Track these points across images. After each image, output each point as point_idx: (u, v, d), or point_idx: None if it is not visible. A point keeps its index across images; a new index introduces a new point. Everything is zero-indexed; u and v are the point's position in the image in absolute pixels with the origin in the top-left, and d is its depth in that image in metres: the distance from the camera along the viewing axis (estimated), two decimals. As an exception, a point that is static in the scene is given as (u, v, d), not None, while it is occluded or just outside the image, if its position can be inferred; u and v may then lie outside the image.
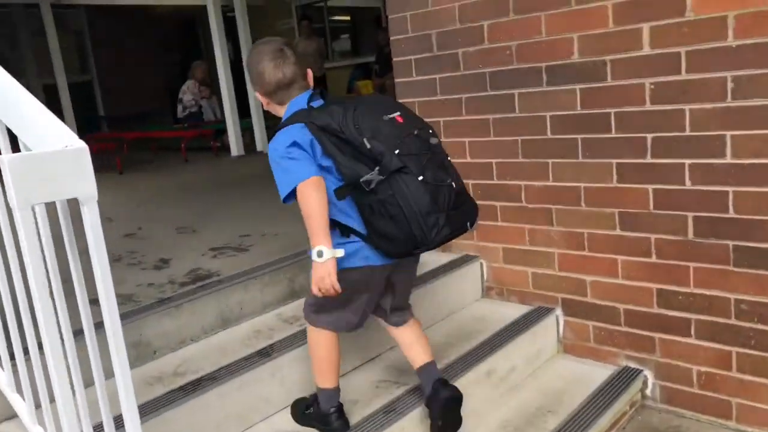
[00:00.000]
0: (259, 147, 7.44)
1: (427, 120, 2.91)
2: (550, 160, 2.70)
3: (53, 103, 9.85)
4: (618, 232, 2.57)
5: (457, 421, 1.95)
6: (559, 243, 2.76)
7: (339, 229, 1.79)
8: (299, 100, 1.85)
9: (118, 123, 12.31)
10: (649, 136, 2.41)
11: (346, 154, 1.69)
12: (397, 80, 3.16)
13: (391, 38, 3.12)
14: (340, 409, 1.97)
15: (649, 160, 2.43)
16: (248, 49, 7.36)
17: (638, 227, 2.51)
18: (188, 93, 8.94)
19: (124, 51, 12.22)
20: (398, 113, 1.76)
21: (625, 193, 2.52)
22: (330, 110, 1.73)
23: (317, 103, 1.83)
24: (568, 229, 2.71)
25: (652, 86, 2.36)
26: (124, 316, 2.16)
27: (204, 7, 7.10)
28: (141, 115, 12.39)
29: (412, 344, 2.04)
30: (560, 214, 2.72)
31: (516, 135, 2.77)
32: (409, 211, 1.65)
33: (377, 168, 1.65)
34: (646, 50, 2.35)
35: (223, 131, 7.89)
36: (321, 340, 1.94)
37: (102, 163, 7.12)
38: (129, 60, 12.27)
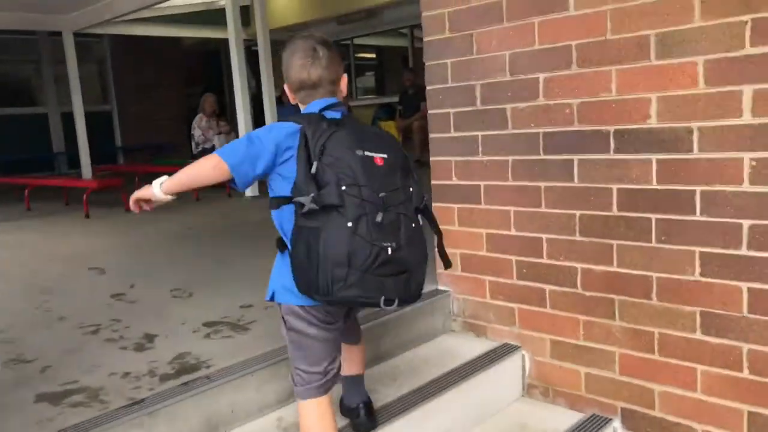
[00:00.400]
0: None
1: (465, 183, 2.48)
2: (615, 242, 2.23)
3: (70, 132, 9.63)
4: (699, 335, 2.09)
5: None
6: (621, 341, 2.27)
7: (282, 245, 1.67)
8: (315, 105, 1.72)
9: (135, 155, 12.10)
10: (746, 222, 1.94)
11: (305, 170, 1.54)
12: (432, 135, 2.73)
13: (428, 88, 2.70)
14: None
15: (744, 252, 1.95)
16: (270, 83, 7.14)
17: (727, 333, 2.03)
18: (197, 128, 8.63)
19: (146, 82, 12.05)
20: (384, 155, 1.59)
21: (711, 289, 2.04)
22: (321, 123, 1.59)
23: (332, 114, 1.68)
24: (634, 325, 2.23)
25: (754, 163, 1.90)
26: (82, 428, 1.71)
27: (227, 40, 6.82)
28: (159, 147, 12.17)
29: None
30: (625, 306, 2.25)
31: (573, 208, 2.32)
32: (322, 253, 1.50)
33: (312, 195, 1.50)
34: (747, 118, 1.90)
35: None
36: (314, 417, 1.73)
37: (109, 199, 6.79)
38: (150, 91, 12.10)
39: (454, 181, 2.67)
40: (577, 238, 2.32)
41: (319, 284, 1.50)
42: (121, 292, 3.20)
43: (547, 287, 2.44)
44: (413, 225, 1.59)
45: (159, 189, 1.75)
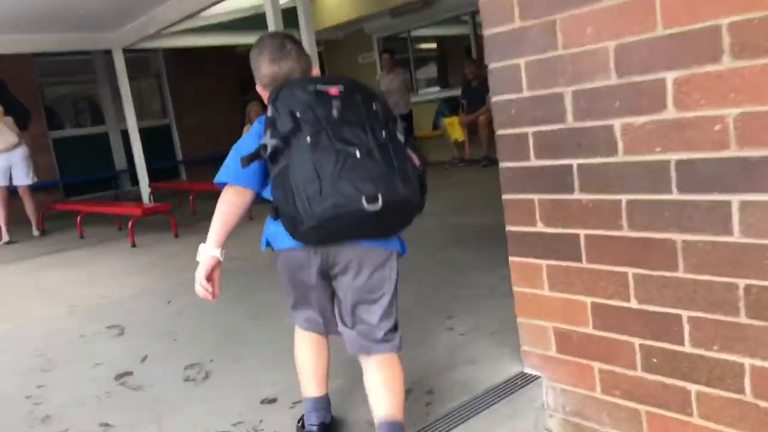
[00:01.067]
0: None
1: (556, 231, 1.75)
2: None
3: (131, 149, 9.41)
4: None
5: None
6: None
7: (272, 209, 1.61)
8: None
9: (196, 168, 11.84)
10: None
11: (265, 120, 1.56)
12: (504, 164, 1.98)
13: (495, 99, 1.94)
14: (322, 428, 1.77)
15: None
16: None
17: None
18: (246, 142, 8.17)
19: (202, 93, 11.75)
20: (338, 87, 1.55)
21: None
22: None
23: None
24: None
25: None
26: None
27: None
28: (219, 159, 11.80)
29: (375, 387, 1.64)
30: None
31: (735, 274, 1.51)
32: (294, 181, 1.45)
33: (270, 130, 1.50)
34: None
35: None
36: (298, 341, 1.83)
37: (161, 223, 6.38)
38: (206, 102, 11.79)
39: (539, 227, 1.90)
40: (744, 320, 1.51)
41: (299, 212, 1.44)
42: (129, 370, 2.62)
43: (694, 387, 1.64)
44: (383, 135, 1.51)
45: (211, 253, 1.64)
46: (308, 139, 1.44)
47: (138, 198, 9.29)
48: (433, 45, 11.94)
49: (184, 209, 7.89)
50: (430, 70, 11.60)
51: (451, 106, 9.53)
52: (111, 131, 10.95)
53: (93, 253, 5.83)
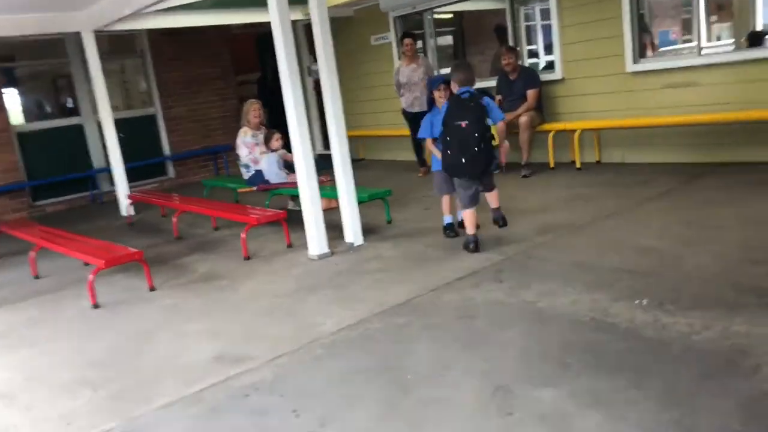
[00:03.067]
0: (351, 238, 5.14)
1: None
2: None
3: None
4: None
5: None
6: None
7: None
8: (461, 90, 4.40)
9: (187, 165, 10.47)
10: None
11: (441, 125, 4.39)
12: None
13: None
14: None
15: None
16: (330, 66, 5.17)
17: None
18: (242, 146, 6.74)
19: (192, 77, 10.34)
20: (466, 122, 4.27)
21: None
22: (458, 104, 4.39)
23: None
24: None
25: None
26: None
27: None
28: (214, 152, 10.49)
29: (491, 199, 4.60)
30: None
31: None
32: (446, 161, 4.43)
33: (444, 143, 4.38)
34: None
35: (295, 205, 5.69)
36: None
37: (131, 272, 5.03)
38: (197, 86, 10.40)
39: None
40: None
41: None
42: None
43: None
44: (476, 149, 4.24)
45: None
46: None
47: (114, 205, 7.94)
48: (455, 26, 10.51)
49: (167, 226, 6.53)
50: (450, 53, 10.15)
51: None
52: (86, 124, 9.55)
53: (36, 319, 4.50)
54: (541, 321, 3.17)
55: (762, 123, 5.98)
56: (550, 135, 7.28)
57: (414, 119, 8.03)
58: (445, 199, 5.07)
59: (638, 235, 4.37)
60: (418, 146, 8.21)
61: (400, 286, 3.99)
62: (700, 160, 6.49)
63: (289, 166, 6.72)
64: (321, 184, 5.18)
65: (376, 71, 9.64)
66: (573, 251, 4.22)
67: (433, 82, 4.92)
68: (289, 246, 5.37)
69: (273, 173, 6.59)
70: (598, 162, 7.34)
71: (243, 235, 5.20)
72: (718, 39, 7.85)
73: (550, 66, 7.86)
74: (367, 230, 5.32)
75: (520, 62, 7.54)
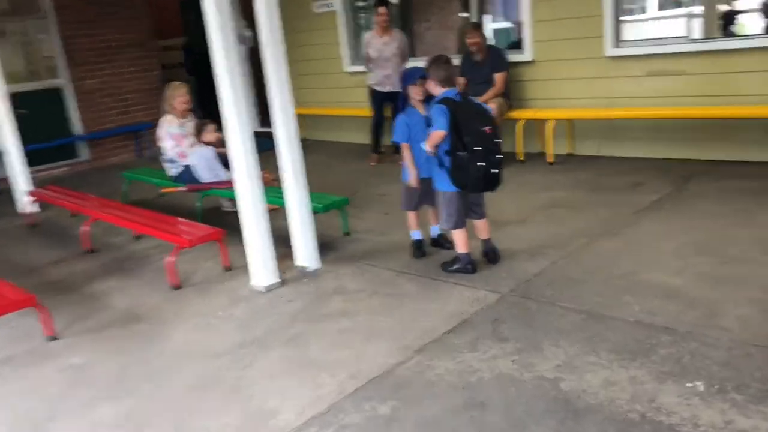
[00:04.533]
0: (304, 261, 4.25)
1: None
2: None
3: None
4: None
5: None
6: None
7: (438, 162, 3.78)
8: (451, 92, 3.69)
9: (102, 145, 9.18)
10: None
11: (455, 135, 3.59)
12: None
13: None
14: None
15: None
16: (273, 32, 4.02)
17: None
18: (168, 137, 5.67)
19: (107, 45, 8.99)
20: (489, 127, 3.63)
21: None
22: (465, 108, 3.65)
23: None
24: None
25: None
26: None
27: None
28: (134, 131, 9.23)
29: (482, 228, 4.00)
30: None
31: None
32: (470, 175, 3.62)
33: (467, 153, 3.57)
34: None
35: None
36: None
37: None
38: (113, 58, 9.06)
39: None
40: None
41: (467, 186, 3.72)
42: None
43: None
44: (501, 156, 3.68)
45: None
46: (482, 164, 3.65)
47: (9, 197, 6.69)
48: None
49: (77, 231, 5.44)
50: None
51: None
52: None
53: None
54: (574, 416, 2.43)
55: (754, 120, 5.44)
56: (519, 124, 6.54)
57: (382, 100, 7.13)
58: (413, 214, 4.27)
59: (651, 267, 3.69)
60: (378, 129, 7.34)
61: (375, 344, 3.17)
62: (685, 156, 5.92)
63: (225, 161, 5.72)
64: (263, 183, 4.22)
65: (318, 42, 8.60)
66: (579, 290, 3.51)
67: (410, 76, 4.03)
68: (228, 269, 4.44)
69: (205, 170, 5.57)
70: (570, 154, 6.68)
71: (171, 259, 4.22)
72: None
73: (516, 45, 7.06)
74: (322, 245, 4.44)
75: (484, 42, 6.69)
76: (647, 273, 3.62)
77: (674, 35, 6.45)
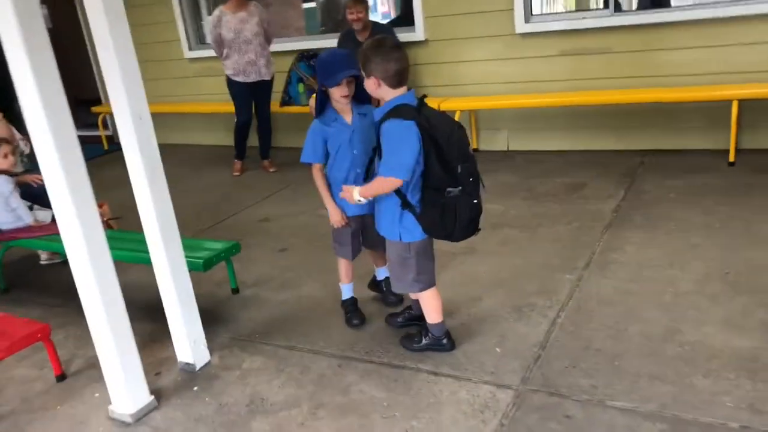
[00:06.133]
0: (187, 353, 2.75)
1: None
2: None
3: None
4: None
5: None
6: None
7: (400, 201, 2.41)
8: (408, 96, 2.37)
9: None
10: None
11: (439, 165, 2.29)
12: None
13: None
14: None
15: None
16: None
17: None
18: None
19: None
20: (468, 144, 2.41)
21: None
22: (437, 121, 2.33)
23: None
24: None
25: None
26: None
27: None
28: None
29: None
30: None
31: None
32: (459, 218, 2.37)
33: (460, 188, 2.32)
34: None
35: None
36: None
37: None
38: None
39: None
40: None
41: (453, 234, 2.45)
42: None
43: None
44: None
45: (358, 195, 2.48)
46: (474, 201, 2.42)
47: None
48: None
49: None
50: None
51: (314, 69, 5.94)
52: None
53: None
54: None
55: (692, 104, 4.80)
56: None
57: (248, 94, 5.60)
58: (346, 262, 2.96)
59: (692, 319, 2.73)
60: (242, 132, 5.80)
61: None
62: (615, 147, 5.20)
63: (35, 197, 3.93)
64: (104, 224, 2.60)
65: (151, 21, 6.78)
66: (623, 373, 2.44)
67: (330, 71, 2.65)
68: (61, 377, 2.81)
69: (1, 212, 3.75)
70: (476, 150, 5.70)
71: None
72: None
73: (405, 22, 5.87)
74: (204, 314, 2.93)
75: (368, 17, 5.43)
76: (695, 330, 2.65)
77: (596, 7, 5.62)
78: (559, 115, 5.33)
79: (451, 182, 2.33)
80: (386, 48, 2.39)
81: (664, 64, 4.82)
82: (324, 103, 2.72)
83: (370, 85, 2.41)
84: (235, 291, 3.49)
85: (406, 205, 2.44)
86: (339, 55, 2.75)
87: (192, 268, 2.96)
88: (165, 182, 2.57)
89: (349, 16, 5.31)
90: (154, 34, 6.75)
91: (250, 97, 5.63)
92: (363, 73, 2.42)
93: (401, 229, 2.50)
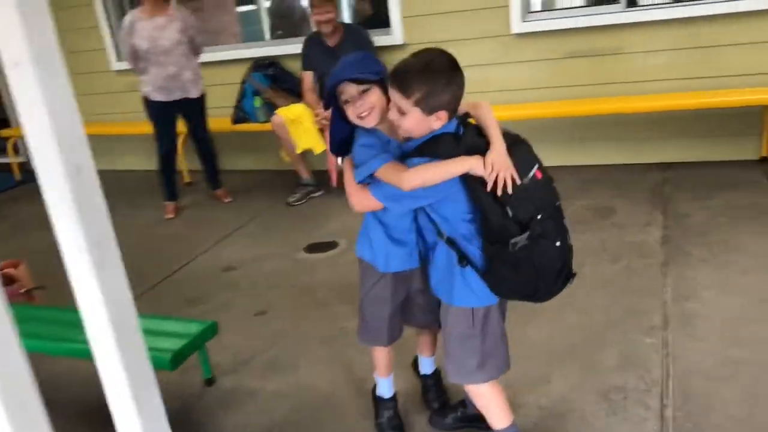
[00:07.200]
0: None
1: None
2: None
3: None
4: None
5: None
6: None
7: (456, 255, 1.69)
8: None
9: None
10: None
11: (495, 210, 1.59)
12: None
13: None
14: None
15: None
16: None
17: None
18: None
19: None
20: (537, 167, 1.67)
21: None
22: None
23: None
24: None
25: None
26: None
27: None
28: None
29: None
30: None
31: None
32: (541, 272, 1.64)
33: (527, 233, 1.59)
34: None
35: None
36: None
37: None
38: None
39: None
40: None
41: (539, 292, 1.71)
42: None
43: None
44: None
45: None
46: (557, 243, 1.66)
47: None
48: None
49: None
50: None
51: (272, 79, 5.05)
52: None
53: None
54: None
55: (737, 110, 4.22)
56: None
57: (168, 117, 4.62)
58: (384, 352, 2.11)
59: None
60: (167, 165, 4.70)
61: None
62: (629, 161, 4.57)
63: None
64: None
65: (73, 27, 5.71)
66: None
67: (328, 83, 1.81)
68: None
69: None
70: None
71: None
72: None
73: (379, 23, 5.06)
74: (173, 421, 2.02)
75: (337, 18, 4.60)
76: None
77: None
78: (564, 125, 4.66)
79: (514, 232, 1.61)
80: (435, 67, 1.72)
81: (699, 63, 4.20)
82: (342, 122, 1.88)
83: (415, 116, 1.65)
84: (210, 382, 2.59)
85: (462, 258, 1.68)
86: (347, 67, 1.88)
87: (156, 365, 2.04)
88: (120, 266, 1.66)
89: (316, 17, 4.46)
90: (74, 42, 5.67)
91: (173, 119, 4.59)
92: (410, 105, 1.65)
93: (464, 288, 1.72)
